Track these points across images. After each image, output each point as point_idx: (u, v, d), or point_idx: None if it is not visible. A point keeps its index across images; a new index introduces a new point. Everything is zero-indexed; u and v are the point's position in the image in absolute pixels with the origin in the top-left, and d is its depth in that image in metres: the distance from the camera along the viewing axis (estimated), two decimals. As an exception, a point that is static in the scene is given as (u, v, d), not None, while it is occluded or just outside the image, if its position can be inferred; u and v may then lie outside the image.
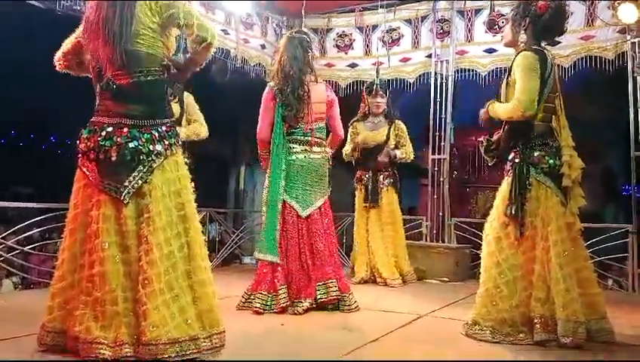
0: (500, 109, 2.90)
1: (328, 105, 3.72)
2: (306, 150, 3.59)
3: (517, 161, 2.85)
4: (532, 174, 2.82)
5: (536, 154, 2.84)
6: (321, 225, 3.57)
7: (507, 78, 2.93)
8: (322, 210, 3.61)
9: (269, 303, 3.32)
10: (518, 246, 2.79)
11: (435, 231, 5.77)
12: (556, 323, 2.64)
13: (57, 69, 2.56)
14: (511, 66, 2.90)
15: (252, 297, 3.39)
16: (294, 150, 3.58)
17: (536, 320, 2.69)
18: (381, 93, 5.03)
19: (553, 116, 2.88)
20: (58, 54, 2.53)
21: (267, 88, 3.63)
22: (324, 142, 3.71)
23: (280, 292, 3.34)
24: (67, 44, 2.51)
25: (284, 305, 3.32)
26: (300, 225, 3.52)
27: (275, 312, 3.29)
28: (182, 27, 2.30)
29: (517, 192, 2.80)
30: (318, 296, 3.42)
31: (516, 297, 2.74)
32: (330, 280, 3.45)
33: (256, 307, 3.30)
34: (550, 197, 2.80)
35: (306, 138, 3.60)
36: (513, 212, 2.78)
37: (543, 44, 2.94)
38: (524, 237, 2.79)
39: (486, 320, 2.78)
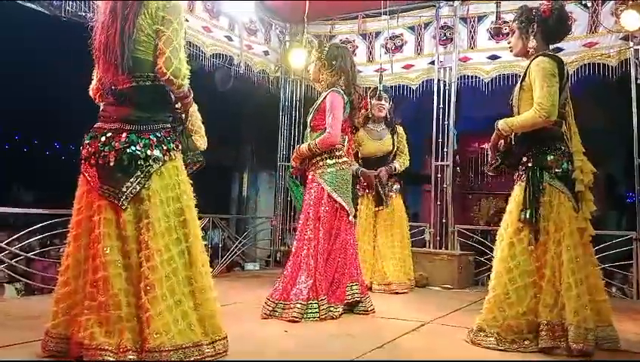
0: (520, 120, 2.85)
1: None
2: (348, 158, 3.76)
3: (530, 165, 2.83)
4: (545, 179, 2.79)
5: (549, 158, 2.82)
6: (353, 229, 3.75)
7: (521, 82, 2.92)
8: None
9: (307, 312, 3.29)
10: (531, 253, 2.76)
11: (438, 238, 5.75)
12: (563, 330, 2.63)
13: (96, 101, 2.53)
14: (526, 71, 2.88)
15: (284, 305, 3.33)
16: (345, 159, 3.70)
17: (542, 327, 2.67)
18: (385, 96, 5.03)
19: (564, 121, 2.87)
20: (92, 85, 2.51)
21: (337, 94, 3.61)
22: None
23: (321, 301, 3.34)
24: (96, 70, 2.49)
25: (324, 315, 3.33)
26: (350, 228, 3.65)
27: (316, 320, 3.29)
28: (157, 50, 2.26)
29: (531, 197, 2.77)
30: (345, 297, 3.52)
31: (525, 304, 2.71)
32: (355, 283, 3.57)
33: (294, 316, 3.24)
34: (563, 202, 2.78)
35: (345, 145, 3.74)
36: (527, 217, 2.75)
37: (551, 48, 2.95)
38: (537, 243, 2.76)
39: (492, 326, 2.76)
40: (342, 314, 3.46)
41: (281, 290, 3.40)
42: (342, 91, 3.63)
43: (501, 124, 2.91)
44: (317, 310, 3.31)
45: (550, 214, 2.77)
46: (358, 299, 3.57)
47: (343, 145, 3.71)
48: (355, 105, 3.76)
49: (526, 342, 2.71)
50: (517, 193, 2.88)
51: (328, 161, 3.61)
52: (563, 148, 2.84)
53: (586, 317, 2.61)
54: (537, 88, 2.76)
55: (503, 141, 2.99)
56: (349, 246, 3.60)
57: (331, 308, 3.40)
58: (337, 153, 3.63)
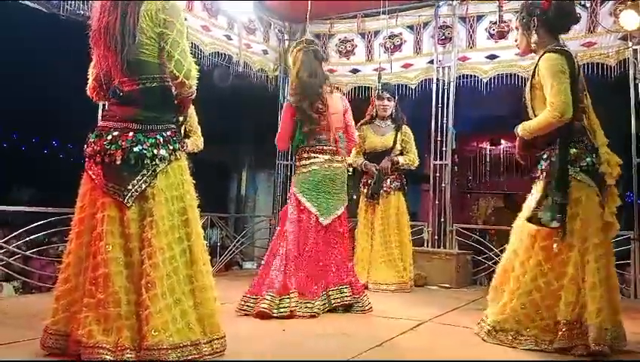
0: (534, 123, 2.78)
1: (344, 113, 3.83)
2: (329, 159, 3.69)
3: (553, 160, 2.74)
4: (571, 173, 2.70)
5: (572, 152, 2.73)
6: (339, 232, 3.68)
7: (531, 80, 2.86)
8: (341, 218, 3.71)
9: (278, 305, 3.30)
10: (563, 254, 2.68)
11: (436, 237, 5.76)
12: (582, 329, 2.58)
13: (94, 100, 2.57)
14: (535, 68, 2.83)
15: (255, 299, 3.37)
16: (317, 160, 3.67)
17: (561, 326, 2.62)
18: (388, 96, 5.04)
19: (584, 115, 2.81)
20: (89, 84, 2.51)
21: (286, 103, 3.74)
22: (343, 152, 3.80)
23: (292, 295, 3.34)
24: (92, 69, 2.49)
25: (294, 308, 3.32)
26: (320, 232, 3.59)
27: (284, 317, 3.28)
28: (164, 53, 2.29)
29: (554, 194, 2.67)
30: (332, 301, 3.53)
31: (547, 305, 2.68)
32: (344, 286, 3.57)
33: (263, 308, 3.26)
34: (591, 197, 2.70)
35: (330, 147, 3.70)
36: (550, 216, 2.64)
37: (561, 40, 2.89)
38: (566, 243, 2.67)
39: (530, 328, 2.70)
40: (320, 312, 3.41)
41: (255, 285, 3.46)
42: (292, 103, 3.66)
43: (520, 130, 2.84)
44: (287, 304, 3.31)
45: (578, 209, 2.68)
46: (348, 301, 3.54)
47: (317, 147, 3.67)
48: (311, 118, 3.62)
49: (543, 344, 2.67)
50: (540, 189, 2.77)
51: (302, 162, 3.70)
52: (586, 141, 2.76)
53: (606, 318, 2.57)
54: (548, 87, 2.69)
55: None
56: (332, 248, 3.58)
57: (307, 304, 3.38)
58: (306, 155, 3.68)
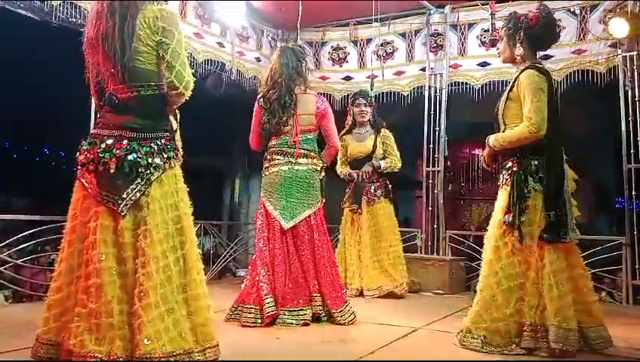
0: (510, 135, 2.88)
1: (319, 117, 3.68)
2: (290, 161, 3.59)
3: (515, 170, 2.86)
4: (530, 183, 2.82)
5: (533, 163, 2.84)
6: (309, 237, 3.55)
7: (508, 92, 2.94)
8: (311, 222, 3.57)
9: (256, 316, 3.30)
10: (516, 256, 2.79)
11: (429, 244, 5.77)
12: (545, 331, 2.67)
13: (98, 104, 2.57)
14: (514, 81, 2.91)
15: (240, 309, 3.39)
16: (278, 161, 3.60)
17: (525, 327, 2.71)
18: (364, 102, 5.05)
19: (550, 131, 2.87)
20: (92, 89, 2.51)
21: (258, 98, 3.70)
22: (313, 154, 3.68)
23: (265, 302, 3.31)
24: (88, 74, 2.49)
25: (270, 314, 3.28)
26: (286, 237, 3.52)
27: (262, 325, 3.26)
28: (163, 62, 2.29)
29: (515, 201, 2.80)
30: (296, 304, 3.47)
31: (511, 306, 2.75)
32: (314, 294, 3.46)
33: (244, 320, 3.30)
34: None
35: (291, 149, 3.60)
36: (511, 221, 2.78)
37: (538, 56, 2.99)
38: (523, 247, 2.79)
39: (479, 328, 2.78)
40: (310, 320, 3.40)
41: (240, 295, 3.47)
42: (261, 103, 3.64)
43: (492, 140, 2.95)
44: (261, 315, 3.29)
45: (535, 218, 2.80)
46: (319, 311, 3.45)
47: (279, 148, 3.62)
48: (274, 111, 3.57)
49: (512, 346, 2.74)
50: (502, 197, 2.91)
51: (265, 165, 3.68)
52: (547, 155, 2.84)
53: (567, 318, 2.66)
54: (527, 103, 2.79)
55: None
56: (301, 254, 3.49)
57: (298, 312, 3.37)
58: (269, 157, 3.64)
